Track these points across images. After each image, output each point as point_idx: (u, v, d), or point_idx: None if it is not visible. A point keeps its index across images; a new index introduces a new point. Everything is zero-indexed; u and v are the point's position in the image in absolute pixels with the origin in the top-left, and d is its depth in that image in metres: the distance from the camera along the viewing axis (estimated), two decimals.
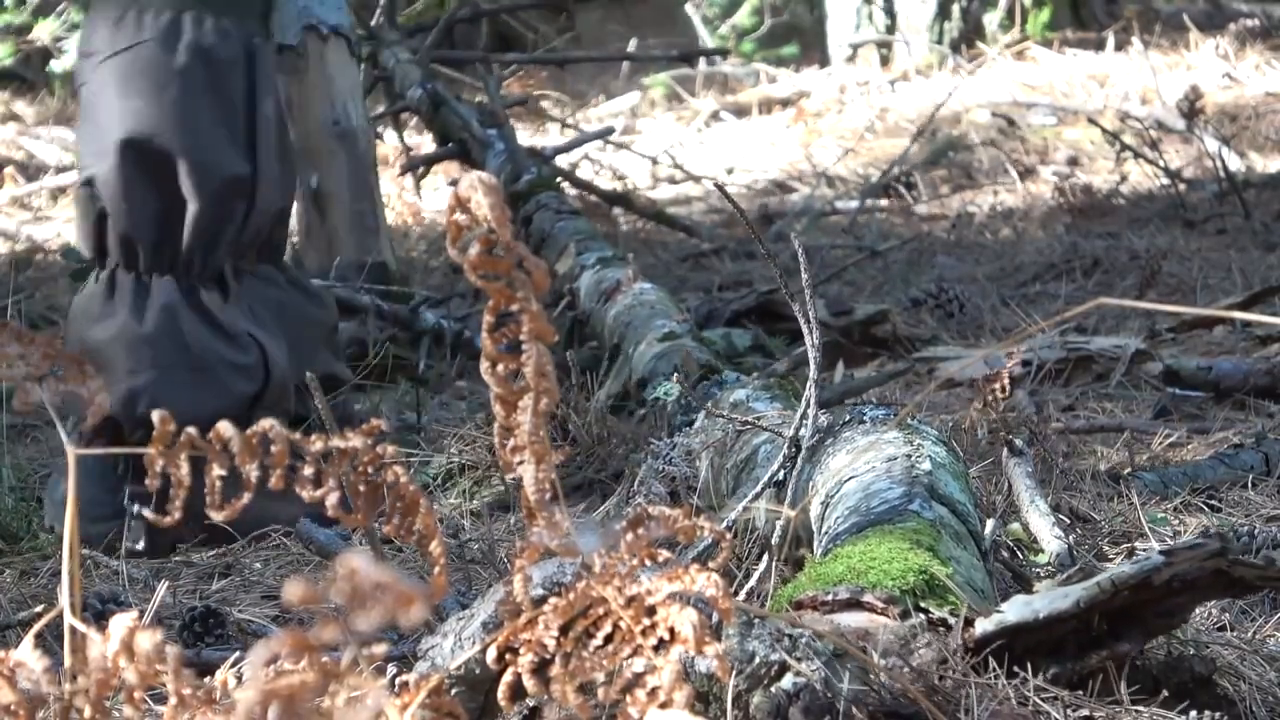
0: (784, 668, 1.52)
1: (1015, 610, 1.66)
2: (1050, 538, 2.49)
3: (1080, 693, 1.65)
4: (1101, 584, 1.64)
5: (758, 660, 1.52)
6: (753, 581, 2.09)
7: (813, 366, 2.17)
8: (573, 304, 4.06)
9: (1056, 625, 1.65)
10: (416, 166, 6.15)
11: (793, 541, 2.24)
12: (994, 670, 1.62)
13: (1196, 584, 1.68)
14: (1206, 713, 1.67)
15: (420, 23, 6.76)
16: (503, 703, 1.40)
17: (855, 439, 2.28)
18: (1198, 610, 2.09)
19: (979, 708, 1.57)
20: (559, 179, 5.42)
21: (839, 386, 3.63)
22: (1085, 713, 1.63)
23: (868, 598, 1.69)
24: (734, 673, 1.52)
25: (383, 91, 6.09)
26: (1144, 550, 2.53)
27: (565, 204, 4.92)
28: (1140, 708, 1.67)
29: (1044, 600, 1.66)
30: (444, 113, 5.69)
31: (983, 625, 1.64)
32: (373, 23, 6.10)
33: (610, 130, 6.70)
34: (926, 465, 2.15)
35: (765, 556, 2.08)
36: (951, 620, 1.66)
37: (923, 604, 1.71)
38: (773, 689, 1.51)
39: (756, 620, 1.54)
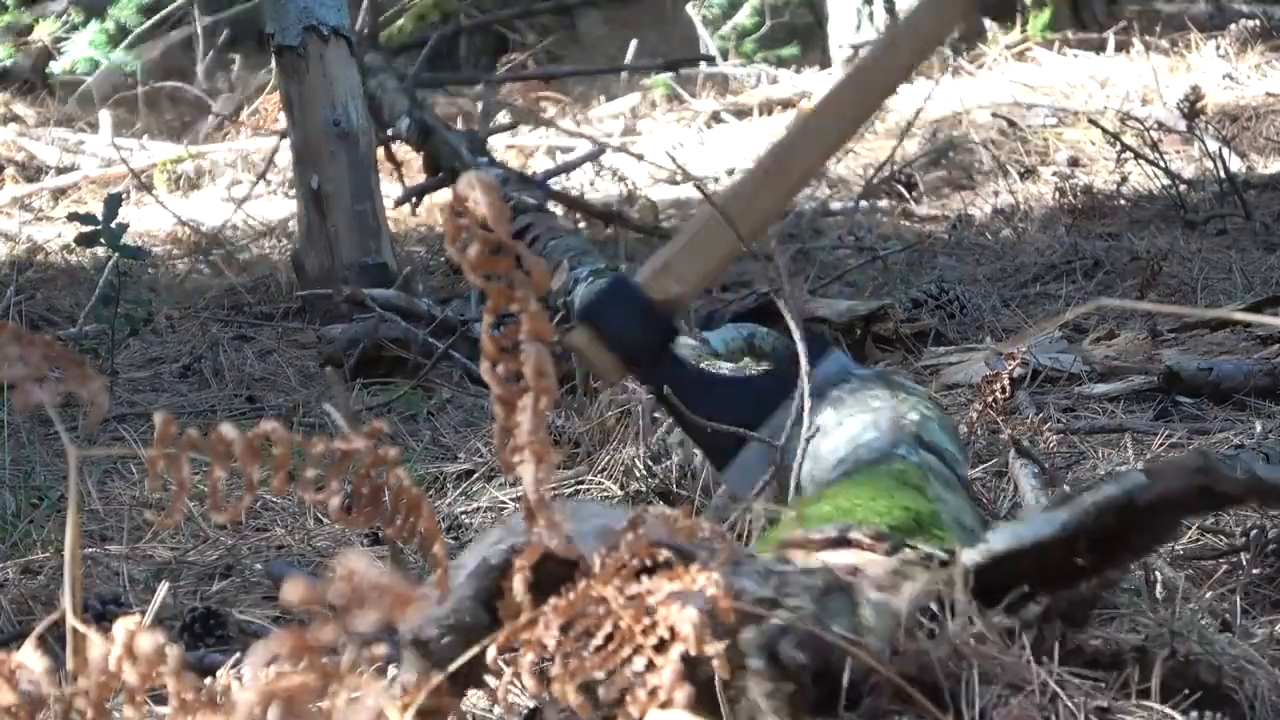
0: (774, 604, 1.51)
1: (1001, 539, 1.65)
2: None
3: (1099, 683, 1.65)
4: (1087, 508, 1.63)
5: (746, 596, 1.50)
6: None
7: (804, 362, 2.18)
8: (567, 318, 4.06)
9: (1044, 551, 1.64)
10: (409, 199, 6.16)
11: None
12: (1016, 640, 1.60)
13: (1181, 502, 1.66)
14: (1208, 713, 1.67)
15: (405, 42, 6.77)
16: (501, 704, 1.40)
17: (843, 397, 2.27)
18: (1200, 607, 2.08)
19: (985, 693, 1.57)
20: (551, 201, 5.46)
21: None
22: (1102, 703, 1.62)
23: (855, 534, 1.68)
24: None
25: (372, 120, 6.11)
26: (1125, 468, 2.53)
27: (557, 226, 4.96)
28: (1152, 704, 1.67)
29: (1029, 527, 1.65)
30: (434, 141, 5.71)
31: (970, 556, 1.63)
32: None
33: (602, 150, 6.72)
34: (914, 416, 2.16)
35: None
36: (940, 554, 1.65)
37: (910, 540, 1.70)
38: (763, 624, 1.50)
39: (745, 558, 1.53)
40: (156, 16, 7.52)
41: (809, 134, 2.45)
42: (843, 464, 2.06)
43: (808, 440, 2.18)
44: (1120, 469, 1.85)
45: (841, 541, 1.67)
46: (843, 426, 2.17)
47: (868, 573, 1.60)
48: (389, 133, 5.97)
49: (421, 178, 6.53)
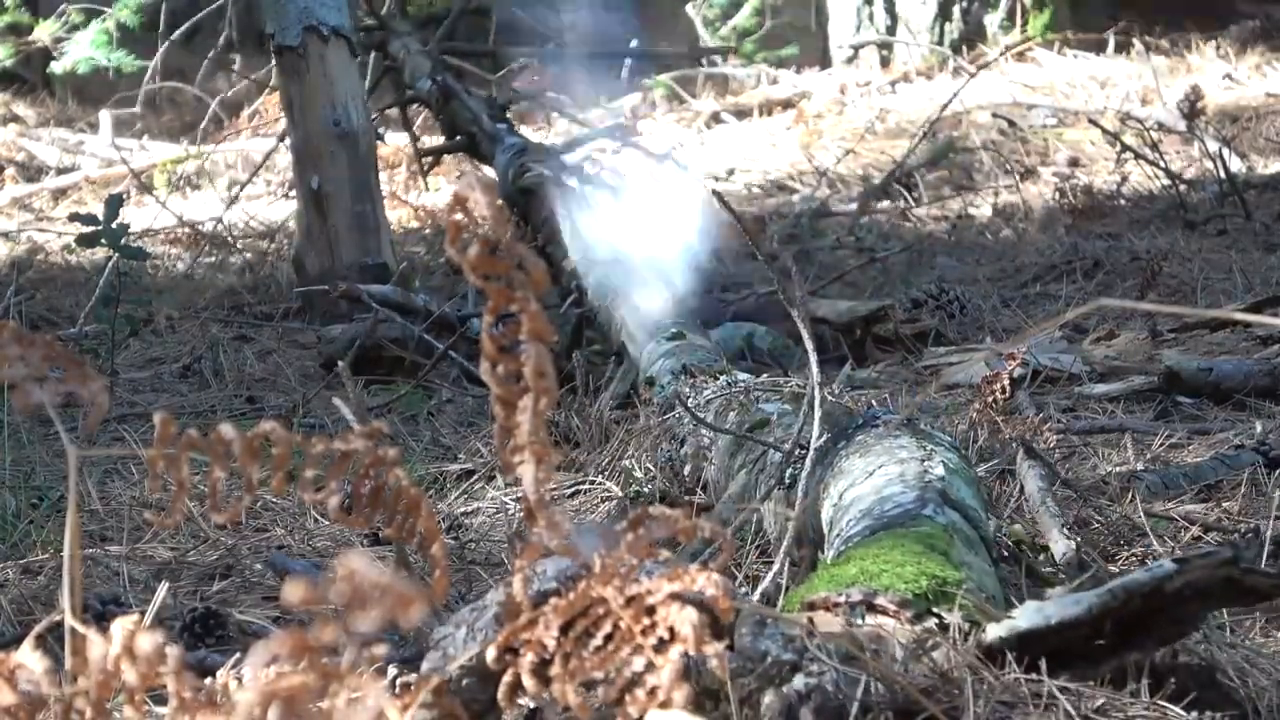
0: (795, 668, 1.52)
1: (1027, 617, 1.66)
2: (1059, 538, 2.50)
3: (1092, 683, 1.65)
4: (1114, 591, 1.64)
5: (769, 659, 1.51)
6: (766, 583, 2.09)
7: (814, 371, 2.18)
8: (580, 300, 4.05)
9: (1068, 631, 1.65)
10: (425, 157, 6.16)
11: (808, 543, 2.24)
12: (1010, 667, 1.62)
13: (1208, 592, 1.68)
14: (1208, 713, 1.67)
15: (431, 13, 6.79)
16: (503, 703, 1.40)
17: (868, 442, 2.27)
18: None
19: (982, 704, 1.57)
20: (566, 175, 5.42)
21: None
22: (1100, 702, 1.63)
23: (880, 600, 1.69)
24: (746, 672, 1.51)
25: (391, 83, 6.11)
26: (1146, 549, 2.54)
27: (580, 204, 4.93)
28: (1153, 699, 1.67)
29: (1056, 607, 1.66)
30: (454, 105, 5.69)
31: (995, 631, 1.64)
32: (383, 11, 6.12)
33: (619, 127, 6.69)
34: (940, 470, 2.14)
35: (777, 559, 2.08)
36: (964, 625, 1.66)
37: (935, 609, 1.71)
38: (784, 689, 1.51)
39: (769, 620, 1.54)
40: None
41: None
42: (867, 516, 2.06)
43: (817, 450, 2.18)
44: (1155, 564, 1.84)
45: (867, 606, 1.68)
46: (870, 478, 2.17)
47: (890, 641, 1.60)
48: (409, 93, 5.97)
49: (420, 189, 6.55)
